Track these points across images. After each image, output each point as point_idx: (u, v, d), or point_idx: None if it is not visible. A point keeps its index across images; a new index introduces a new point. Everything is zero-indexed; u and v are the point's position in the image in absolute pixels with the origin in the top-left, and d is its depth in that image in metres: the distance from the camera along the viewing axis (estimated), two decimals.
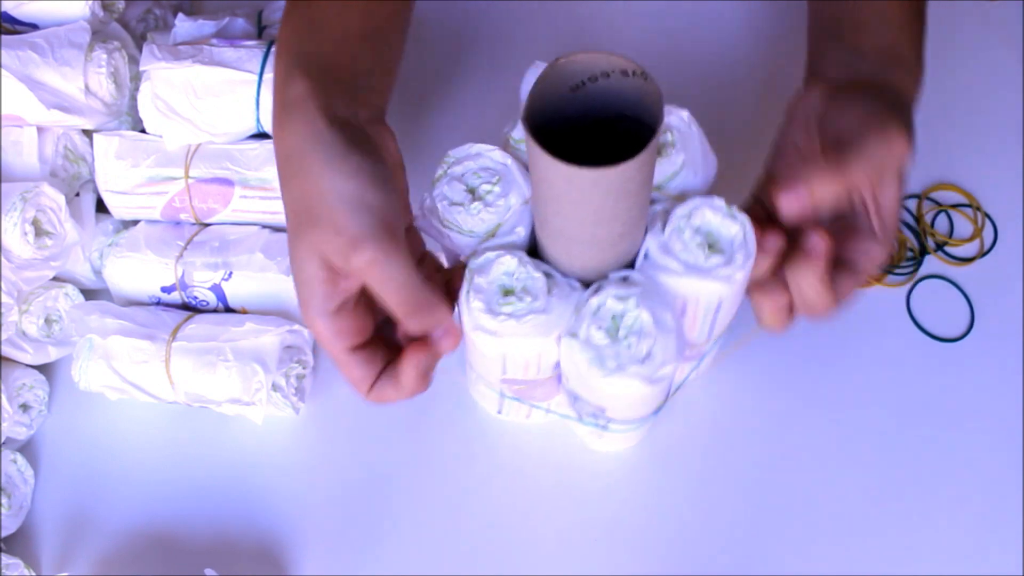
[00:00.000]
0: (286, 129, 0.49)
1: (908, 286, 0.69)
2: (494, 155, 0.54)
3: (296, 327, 0.66)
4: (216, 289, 0.67)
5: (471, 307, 0.50)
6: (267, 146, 0.68)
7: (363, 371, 0.49)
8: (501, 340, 0.50)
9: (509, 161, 0.54)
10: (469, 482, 0.65)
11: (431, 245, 0.54)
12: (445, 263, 0.55)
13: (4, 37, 0.67)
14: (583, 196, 0.44)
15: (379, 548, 0.64)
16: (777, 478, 0.64)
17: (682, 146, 0.53)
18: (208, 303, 0.68)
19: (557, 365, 0.54)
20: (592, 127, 0.48)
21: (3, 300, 0.65)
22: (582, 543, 0.63)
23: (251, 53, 0.67)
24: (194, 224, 0.70)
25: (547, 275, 0.51)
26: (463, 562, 0.63)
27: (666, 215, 0.51)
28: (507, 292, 0.51)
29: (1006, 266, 0.69)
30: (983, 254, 0.70)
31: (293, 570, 0.64)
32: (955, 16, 0.78)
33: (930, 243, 0.70)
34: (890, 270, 0.69)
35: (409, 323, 0.48)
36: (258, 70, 0.66)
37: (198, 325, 0.65)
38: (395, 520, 0.64)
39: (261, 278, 0.66)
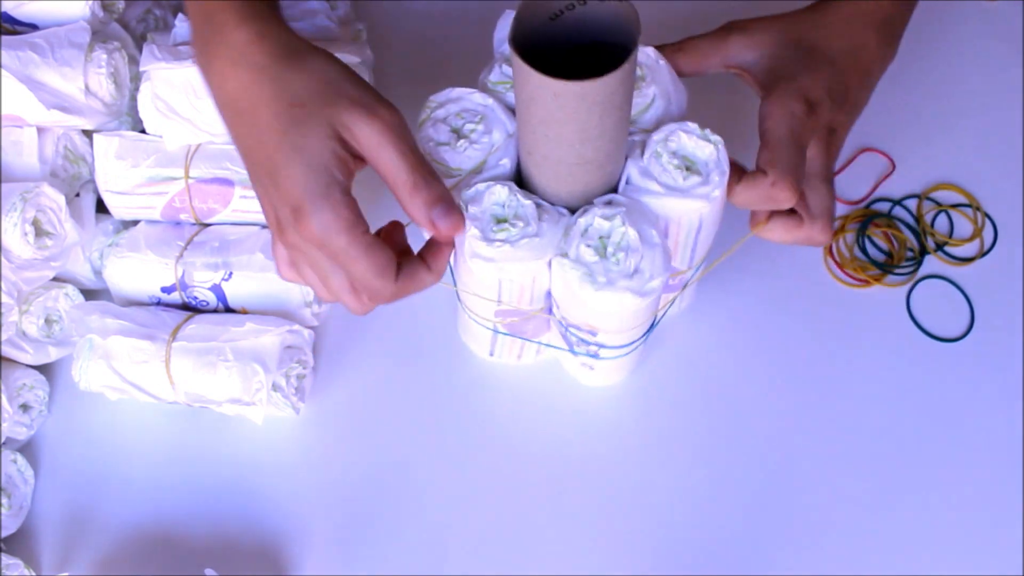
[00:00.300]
0: (252, 48, 0.49)
1: (908, 286, 0.69)
2: (475, 97, 0.56)
3: (296, 327, 0.66)
4: (216, 289, 0.67)
5: (468, 235, 0.52)
6: None
7: (387, 255, 0.49)
8: (498, 265, 0.52)
9: (490, 101, 0.56)
10: (467, 473, 0.65)
11: None
12: None
13: (4, 37, 0.67)
14: (571, 112, 0.46)
15: (379, 548, 0.64)
16: (772, 478, 0.64)
17: (651, 79, 0.55)
18: (208, 303, 0.68)
19: (548, 295, 0.56)
20: (572, 55, 0.50)
21: (3, 300, 0.65)
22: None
23: None
24: (194, 224, 0.70)
25: (536, 204, 0.53)
26: (462, 562, 0.63)
27: (644, 143, 0.53)
28: (500, 220, 0.52)
29: (1006, 266, 0.69)
30: (983, 254, 0.70)
31: (293, 570, 0.64)
32: (955, 16, 0.78)
33: (930, 243, 0.70)
34: (890, 270, 0.69)
35: (417, 195, 0.48)
36: None
37: (198, 325, 0.66)
38: (395, 520, 0.64)
39: (261, 278, 0.66)
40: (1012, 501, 0.62)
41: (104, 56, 0.68)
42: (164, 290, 0.68)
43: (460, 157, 0.55)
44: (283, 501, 0.66)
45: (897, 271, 0.69)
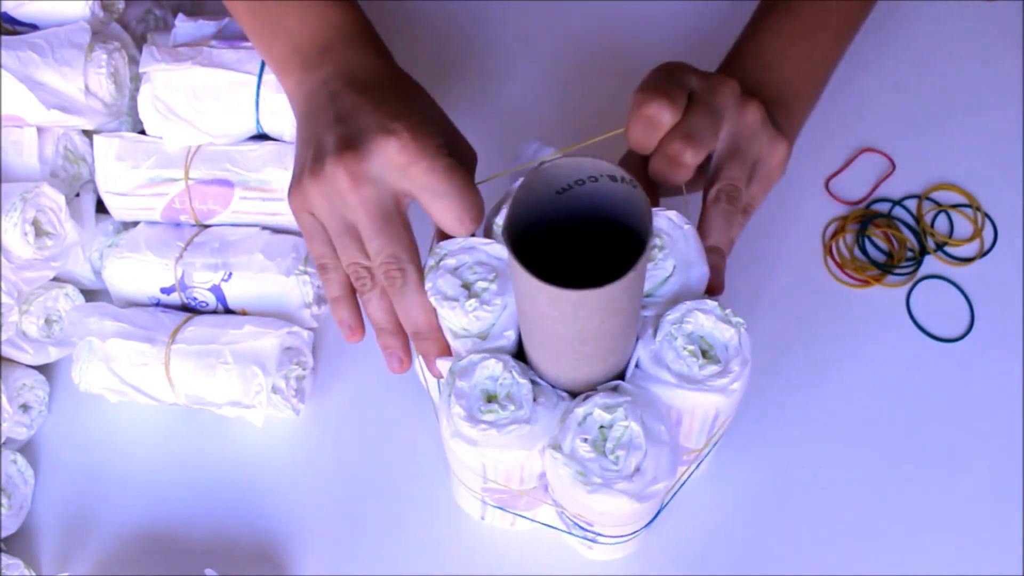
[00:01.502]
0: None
1: (908, 286, 0.69)
2: (491, 249, 0.50)
3: (295, 329, 0.66)
4: (216, 290, 0.67)
5: (451, 412, 0.48)
6: (267, 147, 0.68)
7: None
8: (481, 450, 0.48)
9: (507, 255, 0.47)
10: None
11: None
12: None
13: (4, 37, 0.67)
14: (567, 316, 0.42)
15: (379, 548, 0.64)
16: (772, 478, 0.64)
17: (671, 250, 0.50)
18: (208, 304, 0.68)
19: (543, 474, 0.51)
20: (580, 229, 0.46)
21: (3, 300, 0.65)
22: None
23: (251, 55, 0.67)
24: (194, 225, 0.70)
25: (533, 382, 0.48)
26: (462, 562, 0.63)
27: (657, 321, 0.48)
28: (490, 398, 0.48)
29: (1006, 266, 0.69)
30: (983, 254, 0.70)
31: (293, 570, 0.64)
32: (955, 16, 0.78)
33: (930, 243, 0.70)
34: (890, 270, 0.69)
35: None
36: (257, 71, 0.66)
37: (197, 327, 0.65)
38: (394, 520, 0.64)
39: (261, 279, 0.66)
40: (1012, 501, 0.62)
41: (104, 56, 0.68)
42: (164, 291, 0.68)
43: (468, 319, 0.48)
44: (283, 501, 0.66)
45: (897, 271, 0.69)
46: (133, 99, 0.71)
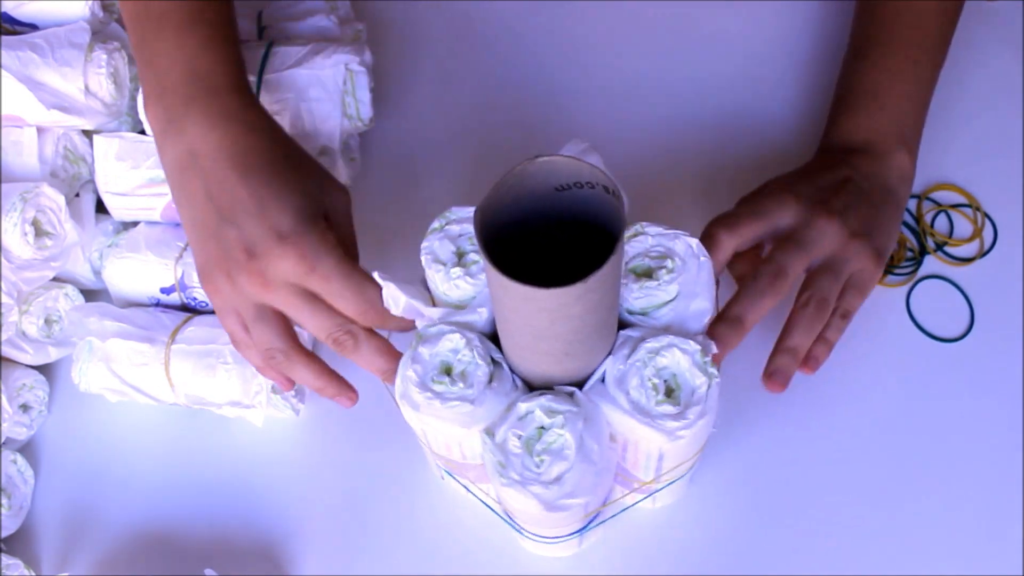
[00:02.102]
0: (249, 112, 0.56)
1: (908, 286, 0.69)
2: None
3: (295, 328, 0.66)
4: None
5: (405, 374, 0.48)
6: None
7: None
8: (422, 417, 0.48)
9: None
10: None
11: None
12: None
13: (4, 37, 0.67)
14: (517, 309, 0.42)
15: (379, 548, 0.64)
16: (771, 477, 0.64)
17: (680, 276, 0.48)
18: (207, 304, 0.68)
19: None
20: (565, 231, 0.46)
21: (3, 300, 0.65)
22: None
23: (251, 54, 0.67)
24: None
25: (496, 364, 0.48)
26: (462, 562, 0.63)
27: (636, 344, 0.47)
28: (446, 370, 0.48)
29: (1006, 266, 0.69)
30: (983, 254, 0.70)
31: (293, 570, 0.64)
32: None
33: (930, 243, 0.70)
34: (890, 270, 0.69)
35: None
36: (257, 71, 0.66)
37: (197, 328, 0.65)
38: (394, 520, 0.64)
39: None
40: (1012, 501, 0.62)
41: (104, 56, 0.68)
42: (163, 291, 0.68)
43: (448, 285, 0.49)
44: (283, 501, 0.66)
45: (897, 271, 0.69)
46: (133, 99, 0.71)
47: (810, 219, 0.59)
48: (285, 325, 0.55)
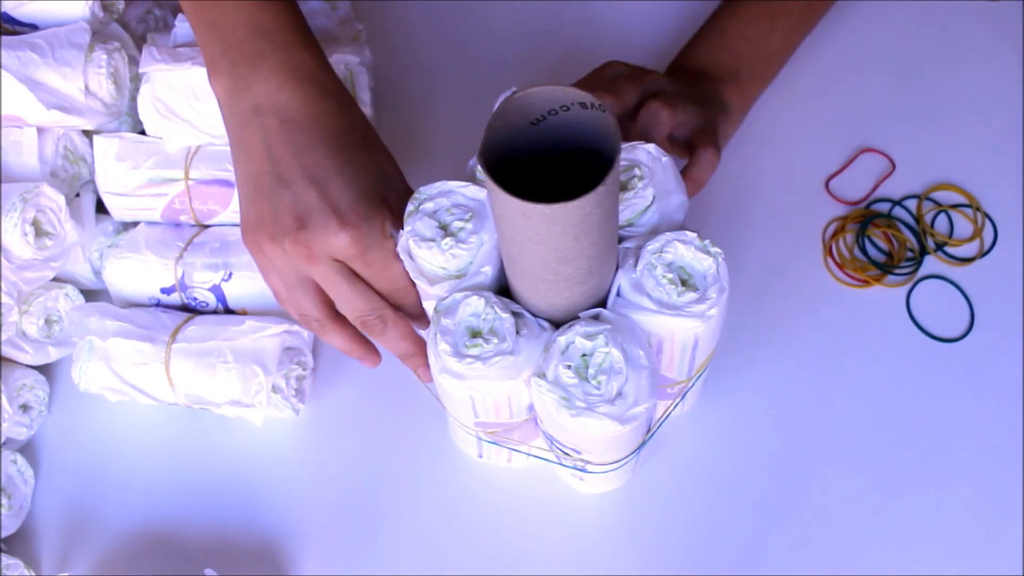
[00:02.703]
0: (319, 72, 0.54)
1: (908, 286, 0.69)
2: (467, 191, 0.52)
3: (295, 328, 0.66)
4: (216, 290, 0.67)
5: (438, 350, 0.49)
6: None
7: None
8: (468, 383, 0.49)
9: (483, 195, 0.52)
10: (466, 471, 0.65)
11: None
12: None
13: (4, 37, 0.67)
14: (542, 233, 0.43)
15: (378, 548, 0.64)
16: (772, 477, 0.64)
17: (650, 179, 0.51)
18: (208, 304, 0.68)
19: (532, 406, 0.53)
20: (556, 160, 0.47)
21: (3, 300, 0.65)
22: None
23: None
24: (194, 226, 0.70)
25: (516, 315, 0.50)
26: (462, 561, 0.63)
27: (638, 252, 0.50)
28: (474, 334, 0.49)
29: (1006, 266, 0.69)
30: (983, 254, 0.70)
31: (293, 570, 0.64)
32: (955, 16, 0.78)
33: (930, 243, 0.70)
34: (890, 270, 0.69)
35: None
36: None
37: (198, 327, 0.65)
38: (394, 520, 0.64)
39: (262, 279, 0.66)
40: (1012, 501, 0.62)
41: (104, 56, 0.68)
42: (164, 291, 0.68)
43: (444, 256, 0.50)
44: (283, 501, 0.66)
45: (897, 271, 0.69)
46: (133, 99, 0.71)
47: (672, 96, 0.63)
48: (323, 297, 0.54)
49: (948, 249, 0.70)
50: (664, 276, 0.49)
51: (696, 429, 0.65)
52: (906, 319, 0.68)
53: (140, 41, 0.74)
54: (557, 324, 0.50)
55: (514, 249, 0.46)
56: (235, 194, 0.67)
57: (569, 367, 0.48)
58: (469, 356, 0.49)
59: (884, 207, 0.72)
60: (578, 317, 0.50)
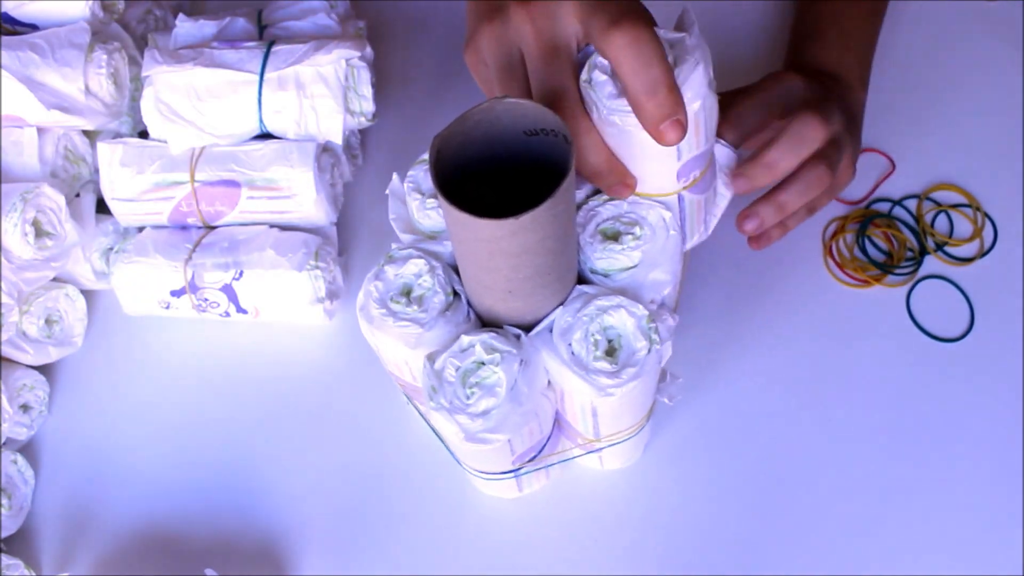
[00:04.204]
0: None
1: (908, 286, 0.69)
2: None
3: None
4: (227, 289, 0.67)
5: (368, 288, 0.50)
6: (271, 146, 0.68)
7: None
8: (373, 331, 0.49)
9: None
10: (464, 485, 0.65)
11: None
12: None
13: (4, 37, 0.67)
14: (460, 235, 0.43)
15: (379, 547, 0.64)
16: (774, 478, 0.64)
17: (647, 244, 0.49)
18: (218, 304, 0.68)
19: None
20: (545, 176, 0.45)
21: (3, 300, 0.65)
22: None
23: (252, 54, 0.67)
24: (201, 227, 0.70)
25: (456, 296, 0.49)
26: (462, 561, 0.63)
27: (588, 300, 0.48)
28: (406, 292, 0.49)
29: (1006, 266, 0.69)
30: (983, 254, 0.70)
31: (293, 570, 0.64)
32: (955, 16, 0.78)
33: (930, 243, 0.70)
34: (890, 270, 0.69)
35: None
36: (259, 70, 0.66)
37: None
38: (395, 520, 0.64)
39: (273, 276, 0.66)
40: (1012, 501, 0.62)
41: (104, 56, 0.68)
42: (174, 293, 0.68)
43: (421, 213, 0.51)
44: (283, 501, 0.66)
45: (897, 271, 0.69)
46: (133, 99, 0.71)
47: (823, 103, 0.58)
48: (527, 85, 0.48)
49: (948, 249, 0.70)
50: (594, 335, 0.47)
51: (695, 428, 0.65)
52: (906, 319, 0.68)
53: (140, 41, 0.74)
54: (483, 323, 0.50)
55: (451, 237, 0.46)
56: (241, 194, 0.67)
57: (457, 367, 0.47)
58: (387, 308, 0.49)
59: (884, 207, 0.72)
60: (499, 328, 0.49)
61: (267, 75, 0.66)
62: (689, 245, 0.53)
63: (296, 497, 0.66)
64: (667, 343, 0.48)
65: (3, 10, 0.69)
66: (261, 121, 0.67)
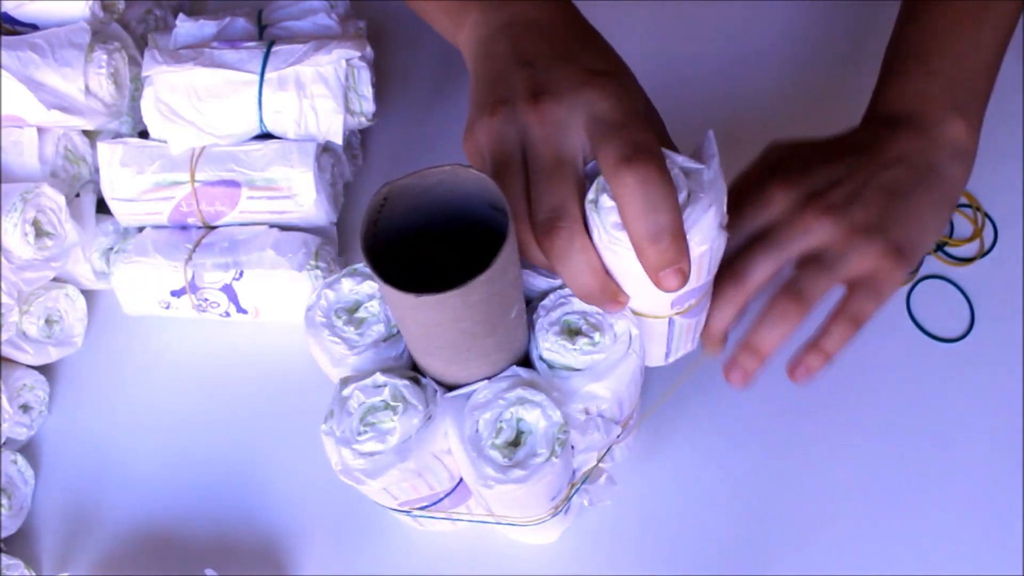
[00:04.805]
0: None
1: (908, 286, 0.69)
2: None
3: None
4: (227, 290, 0.67)
5: (322, 292, 0.48)
6: (272, 146, 0.68)
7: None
8: (307, 334, 0.49)
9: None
10: None
11: None
12: None
13: (4, 37, 0.67)
14: (387, 301, 0.42)
15: (379, 547, 0.64)
16: (773, 478, 0.64)
17: (599, 355, 0.46)
18: (219, 304, 0.68)
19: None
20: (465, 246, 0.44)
21: (3, 300, 0.65)
22: None
23: (252, 54, 0.67)
24: (201, 227, 0.70)
25: (398, 332, 0.48)
26: (462, 562, 0.63)
27: (515, 384, 0.46)
28: (352, 309, 0.49)
29: (1006, 266, 0.69)
30: (983, 254, 0.70)
31: (293, 570, 0.64)
32: None
33: None
34: None
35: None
36: (259, 70, 0.66)
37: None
38: (395, 520, 0.64)
39: (273, 276, 0.66)
40: (1012, 501, 0.62)
41: (104, 56, 0.68)
42: (174, 293, 0.68)
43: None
44: (283, 501, 0.66)
45: None
46: (133, 99, 0.71)
47: (797, 213, 0.52)
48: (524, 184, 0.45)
49: (948, 249, 0.70)
50: (501, 422, 0.45)
51: (693, 428, 0.65)
52: (906, 319, 0.68)
53: (140, 41, 0.74)
54: (415, 367, 0.49)
55: None
56: (241, 194, 0.67)
57: (361, 402, 0.46)
58: (326, 319, 0.48)
59: None
60: (425, 376, 0.47)
61: (267, 75, 0.66)
62: (672, 359, 0.52)
63: (296, 497, 0.66)
64: (616, 448, 0.46)
65: (3, 10, 0.69)
66: (261, 121, 0.67)
